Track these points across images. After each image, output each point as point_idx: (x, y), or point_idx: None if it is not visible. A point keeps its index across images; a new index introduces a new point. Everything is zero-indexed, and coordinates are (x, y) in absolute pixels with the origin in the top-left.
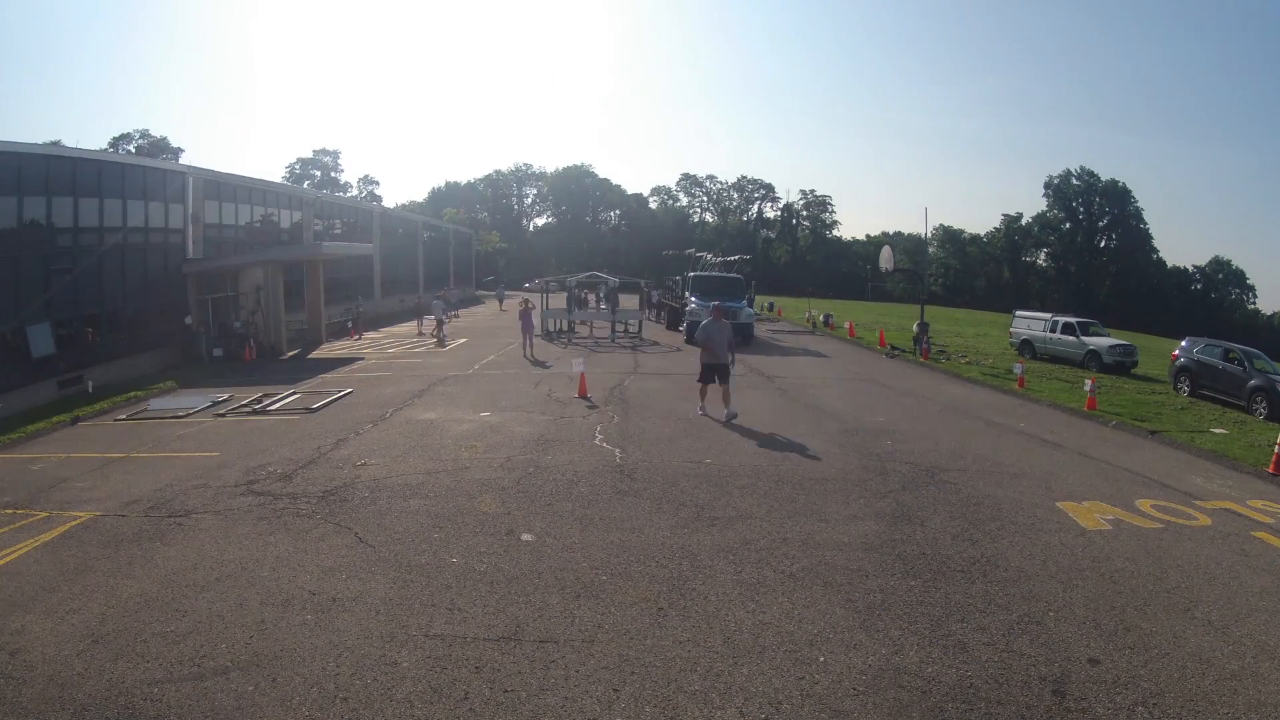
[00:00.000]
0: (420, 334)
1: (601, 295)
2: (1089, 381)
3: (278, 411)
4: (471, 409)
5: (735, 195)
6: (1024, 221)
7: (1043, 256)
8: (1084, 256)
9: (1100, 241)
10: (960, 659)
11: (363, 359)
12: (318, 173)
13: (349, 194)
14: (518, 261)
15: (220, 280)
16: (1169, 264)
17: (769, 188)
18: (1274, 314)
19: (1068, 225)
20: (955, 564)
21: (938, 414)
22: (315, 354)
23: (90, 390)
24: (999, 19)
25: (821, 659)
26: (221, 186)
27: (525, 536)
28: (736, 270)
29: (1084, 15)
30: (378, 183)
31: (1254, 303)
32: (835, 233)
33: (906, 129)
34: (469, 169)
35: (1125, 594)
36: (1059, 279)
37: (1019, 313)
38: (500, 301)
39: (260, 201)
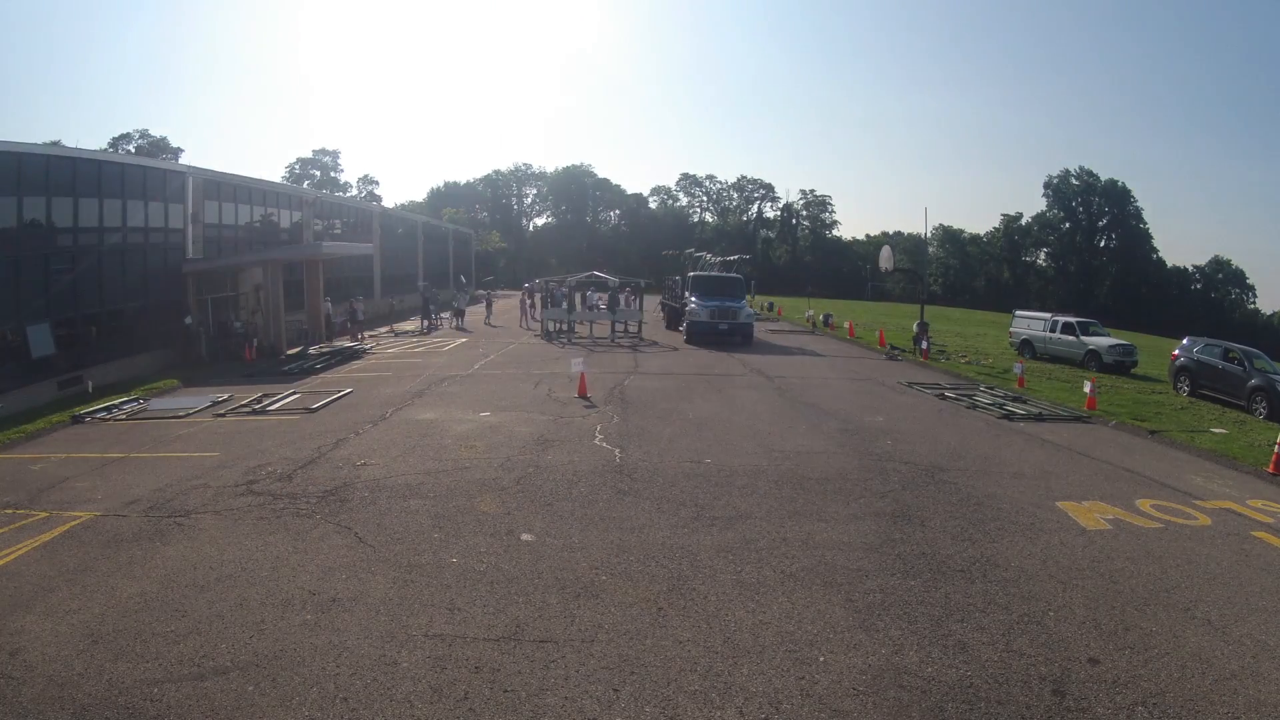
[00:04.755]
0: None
1: (604, 298)
2: (1089, 382)
3: (278, 411)
4: (471, 409)
5: (735, 195)
6: (1024, 221)
7: (1042, 256)
8: (1084, 256)
9: (1100, 241)
10: (960, 659)
11: (370, 354)
12: (318, 173)
13: (349, 194)
14: (518, 261)
15: (220, 280)
16: (1169, 264)
17: (769, 188)
18: (1274, 314)
19: (1067, 225)
20: (955, 564)
21: (937, 414)
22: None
23: (90, 390)
24: (999, 19)
25: (821, 659)
26: (221, 186)
27: (525, 536)
28: (736, 270)
29: (1084, 15)
30: (378, 183)
31: (1254, 303)
32: (835, 233)
33: (906, 129)
34: (469, 169)
35: (1125, 594)
36: (1059, 279)
37: (1019, 312)
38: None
39: (260, 201)
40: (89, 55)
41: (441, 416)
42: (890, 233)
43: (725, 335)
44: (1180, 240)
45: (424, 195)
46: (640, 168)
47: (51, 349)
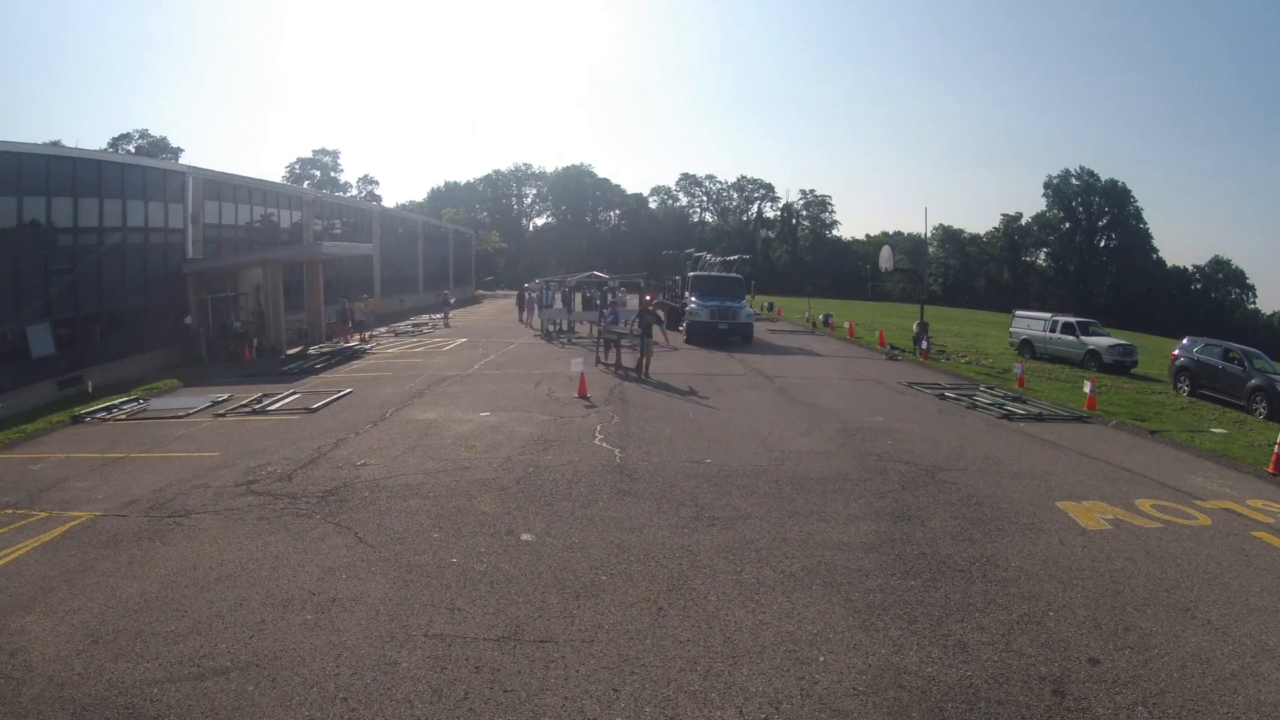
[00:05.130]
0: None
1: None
2: (1089, 382)
3: (278, 411)
4: (471, 409)
5: (735, 195)
6: (1024, 221)
7: (1042, 256)
8: (1084, 256)
9: (1100, 241)
10: (960, 659)
11: (367, 354)
12: (318, 173)
13: (349, 194)
14: (518, 261)
15: (220, 280)
16: (1169, 264)
17: (769, 188)
18: (1274, 314)
19: (1067, 225)
20: (955, 564)
21: (937, 414)
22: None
23: (90, 390)
24: (999, 19)
25: (821, 659)
26: (221, 186)
27: (525, 536)
28: (735, 270)
29: (1084, 14)
30: (378, 183)
31: (1254, 303)
32: (835, 233)
33: (906, 129)
34: (469, 169)
35: (1125, 594)
36: (1059, 279)
37: (1019, 312)
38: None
39: (260, 201)
40: (89, 55)
41: (441, 416)
42: (890, 233)
43: (725, 335)
44: (1180, 240)
45: (424, 195)
46: (640, 168)
47: (51, 349)
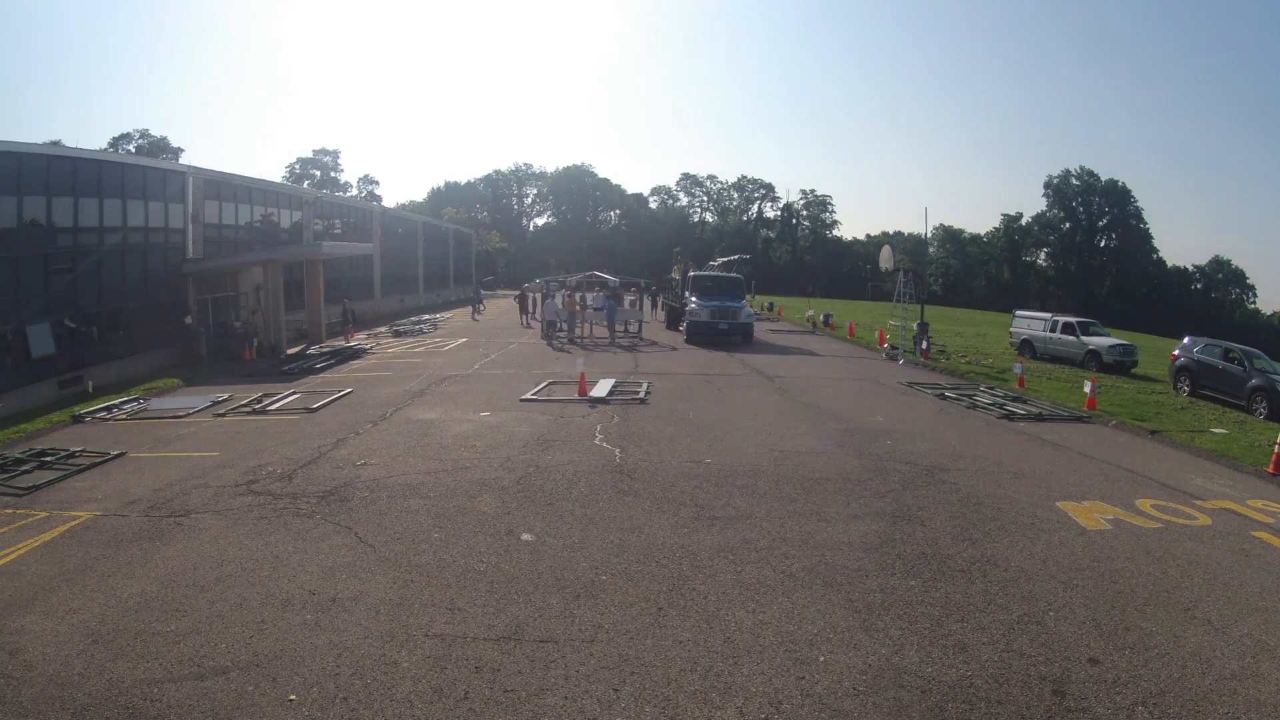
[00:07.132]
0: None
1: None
2: (1089, 382)
3: (278, 411)
4: (471, 409)
5: (735, 195)
6: (1024, 221)
7: (1042, 256)
8: (1084, 256)
9: (1100, 241)
10: (960, 659)
11: (367, 354)
12: (318, 173)
13: (349, 194)
14: (518, 261)
15: (220, 280)
16: (1169, 264)
17: (769, 188)
18: (1274, 314)
19: (1067, 225)
20: (955, 564)
21: (938, 414)
22: (312, 352)
23: (90, 390)
24: (999, 18)
25: (821, 659)
26: (221, 186)
27: (525, 536)
28: (735, 270)
29: (1084, 14)
30: (378, 183)
31: (1254, 303)
32: (835, 232)
33: (906, 129)
34: (469, 169)
35: (1125, 594)
36: (1059, 279)
37: (1019, 312)
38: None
39: (260, 201)
40: (89, 55)
41: (441, 416)
42: (890, 233)
43: (725, 335)
44: (1180, 240)
45: (424, 195)
46: (640, 168)
47: (51, 349)
